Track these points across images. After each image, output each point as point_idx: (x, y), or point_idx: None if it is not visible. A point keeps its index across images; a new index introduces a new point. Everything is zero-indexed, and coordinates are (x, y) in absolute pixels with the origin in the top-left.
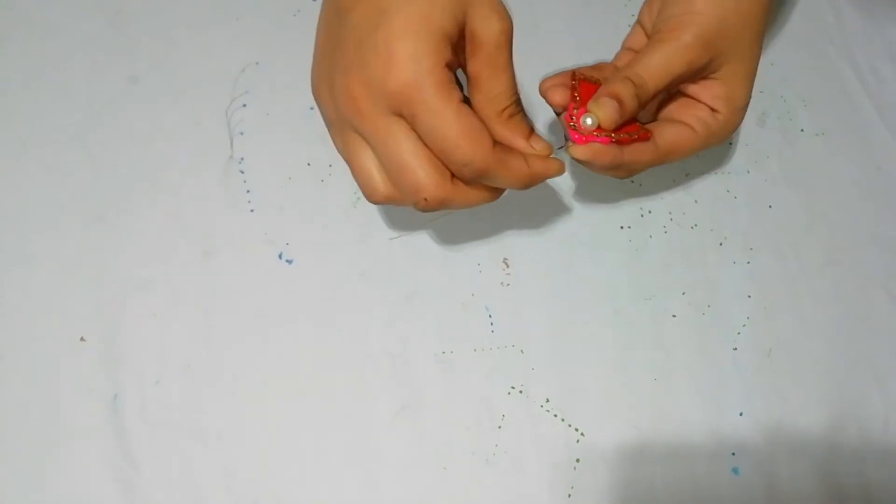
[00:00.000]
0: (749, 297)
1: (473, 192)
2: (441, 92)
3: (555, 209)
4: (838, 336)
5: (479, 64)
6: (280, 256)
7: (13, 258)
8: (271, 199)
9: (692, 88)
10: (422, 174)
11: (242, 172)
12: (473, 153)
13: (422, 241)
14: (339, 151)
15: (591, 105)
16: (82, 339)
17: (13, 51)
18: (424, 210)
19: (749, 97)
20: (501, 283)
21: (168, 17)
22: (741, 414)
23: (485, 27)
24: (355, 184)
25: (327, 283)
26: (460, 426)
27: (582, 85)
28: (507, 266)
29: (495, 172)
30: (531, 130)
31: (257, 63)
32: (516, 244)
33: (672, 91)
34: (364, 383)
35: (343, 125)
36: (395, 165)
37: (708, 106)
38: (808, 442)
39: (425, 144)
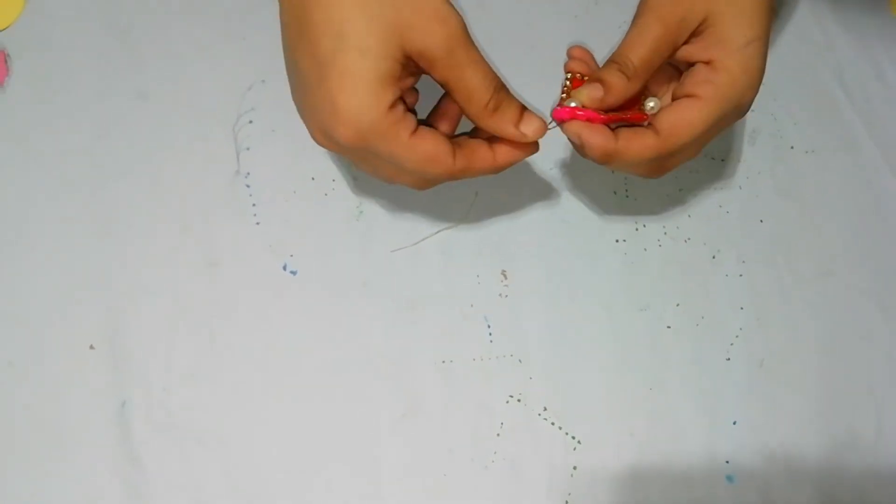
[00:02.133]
0: (742, 308)
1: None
2: (388, 136)
3: (552, 223)
4: (830, 346)
5: (441, 74)
6: (284, 267)
7: (25, 268)
8: (276, 212)
9: (688, 50)
10: (412, 181)
11: (248, 186)
12: (436, 173)
13: (422, 252)
14: None
15: (573, 91)
16: (91, 346)
17: (25, 67)
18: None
19: (752, 35)
20: (500, 295)
21: (176, 36)
22: (735, 423)
23: (429, 42)
24: (358, 197)
25: (330, 293)
26: (460, 433)
27: (574, 81)
28: (506, 277)
29: (465, 174)
30: (521, 111)
31: (263, 81)
32: (514, 256)
33: (681, 68)
34: (365, 391)
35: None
36: (387, 180)
37: (703, 63)
38: (801, 450)
39: None
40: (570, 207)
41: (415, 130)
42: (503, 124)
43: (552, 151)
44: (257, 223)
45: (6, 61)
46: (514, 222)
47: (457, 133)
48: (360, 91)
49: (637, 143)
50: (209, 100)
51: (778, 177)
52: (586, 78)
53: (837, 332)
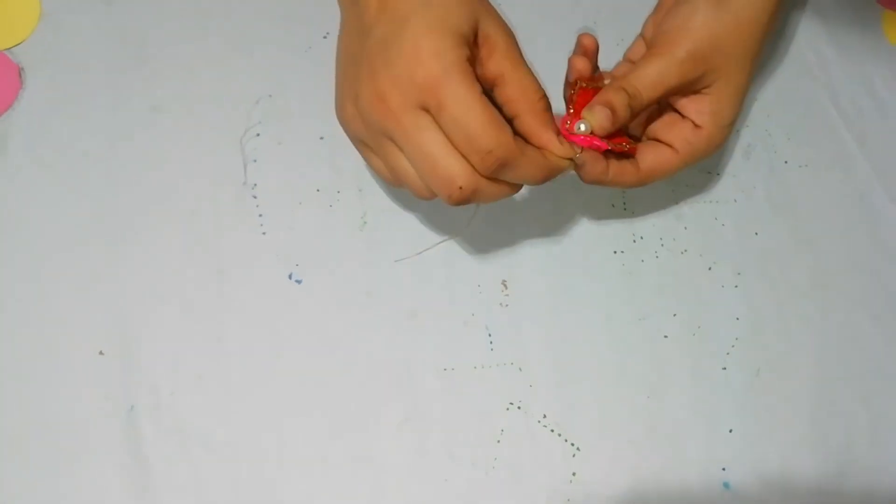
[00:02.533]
0: (738, 318)
1: (497, 184)
2: (466, 81)
3: (551, 234)
4: (824, 356)
5: (498, 61)
6: (290, 276)
7: (38, 275)
8: (282, 223)
9: (681, 101)
10: (453, 162)
11: (255, 197)
12: (497, 140)
13: (425, 263)
14: (375, 169)
15: (585, 112)
16: (101, 352)
17: (42, 80)
18: (458, 202)
19: (735, 116)
20: (500, 304)
21: (188, 51)
22: (731, 430)
23: (497, 30)
24: (362, 208)
25: (334, 301)
26: (461, 440)
27: (580, 92)
28: (506, 288)
29: (516, 162)
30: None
31: (271, 95)
32: (515, 267)
33: (662, 103)
34: (368, 398)
35: (373, 136)
36: (427, 159)
37: (692, 122)
38: (795, 458)
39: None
40: (569, 219)
41: (484, 93)
42: (547, 127)
43: None
44: (264, 233)
45: (20, 75)
46: (514, 234)
47: None
48: (445, 35)
49: (622, 177)
50: (218, 113)
51: (772, 191)
52: (593, 85)
53: (831, 343)
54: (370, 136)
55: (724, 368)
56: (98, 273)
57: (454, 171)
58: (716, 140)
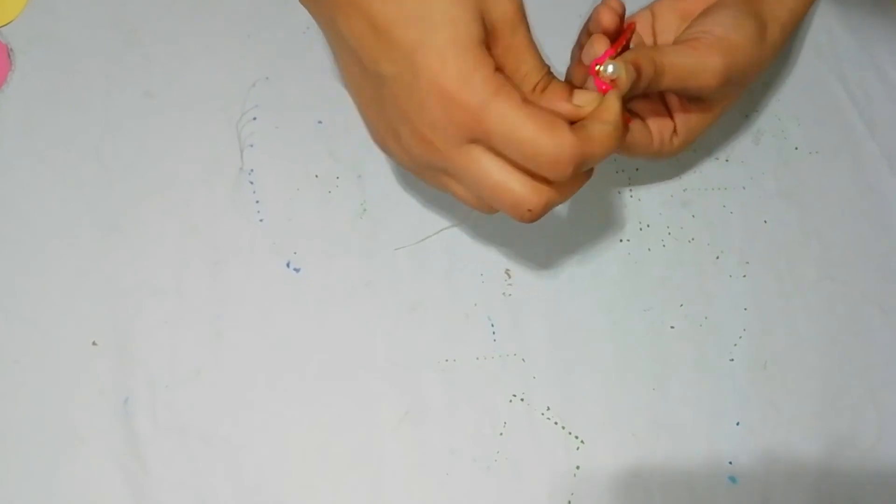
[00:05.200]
0: (745, 309)
1: (570, 184)
2: (503, 97)
3: (555, 222)
4: (832, 349)
5: (501, 51)
6: (288, 265)
7: (30, 265)
8: (280, 210)
9: (674, 101)
10: (517, 187)
11: (252, 183)
12: (557, 146)
13: (426, 251)
14: (439, 188)
15: (620, 60)
16: (94, 343)
17: (29, 62)
18: (532, 220)
19: (701, 136)
20: (503, 294)
21: (182, 34)
22: (738, 424)
23: (497, 13)
24: (362, 195)
25: (333, 291)
26: (462, 433)
27: (624, 33)
28: (509, 277)
29: (584, 155)
30: (570, 89)
31: (267, 78)
32: (518, 256)
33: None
34: (368, 390)
35: (427, 169)
36: (489, 189)
37: (674, 125)
38: (802, 451)
39: (509, 162)
40: (574, 207)
41: (524, 99)
42: (554, 103)
43: None
44: (261, 220)
45: (10, 56)
46: (518, 221)
47: None
48: (462, 58)
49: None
50: (214, 97)
51: (781, 178)
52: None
53: (839, 335)
54: (421, 170)
55: (731, 360)
56: (90, 261)
57: (519, 195)
58: (676, 152)
